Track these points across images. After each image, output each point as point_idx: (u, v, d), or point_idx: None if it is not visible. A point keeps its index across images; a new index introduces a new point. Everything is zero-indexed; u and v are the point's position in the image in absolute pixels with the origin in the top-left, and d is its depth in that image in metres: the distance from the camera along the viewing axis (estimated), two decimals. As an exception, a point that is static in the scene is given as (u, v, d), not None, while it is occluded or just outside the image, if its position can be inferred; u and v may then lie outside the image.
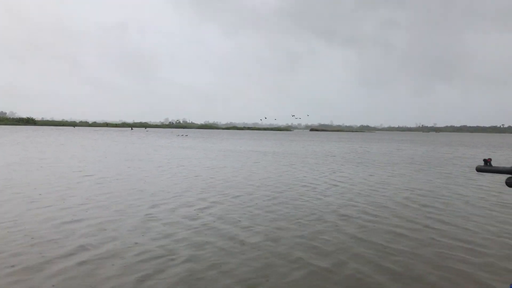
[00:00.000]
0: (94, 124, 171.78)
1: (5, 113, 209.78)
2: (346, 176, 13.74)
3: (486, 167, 2.23)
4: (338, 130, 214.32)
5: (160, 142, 38.00)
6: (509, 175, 2.12)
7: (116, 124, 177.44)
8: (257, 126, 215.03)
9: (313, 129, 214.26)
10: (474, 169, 13.65)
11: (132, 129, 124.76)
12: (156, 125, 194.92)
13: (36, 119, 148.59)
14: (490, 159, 2.25)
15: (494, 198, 9.62)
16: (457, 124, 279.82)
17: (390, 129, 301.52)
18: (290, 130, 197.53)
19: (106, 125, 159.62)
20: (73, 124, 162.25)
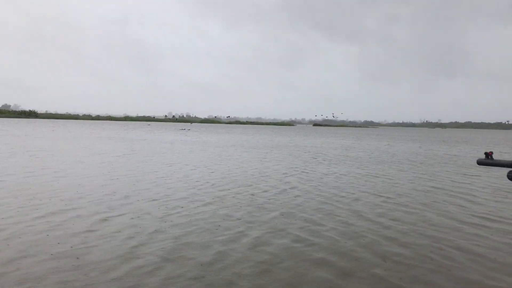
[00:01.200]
0: (98, 118, 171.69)
1: (10, 105, 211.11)
2: (310, 176, 12.53)
3: (487, 160, 2.17)
4: (341, 126, 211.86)
5: (132, 135, 37.02)
6: (511, 169, 2.05)
7: (176, 119, 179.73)
8: (260, 121, 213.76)
9: (316, 124, 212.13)
10: (463, 168, 11.98)
11: (191, 124, 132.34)
12: (161, 119, 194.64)
13: (38, 112, 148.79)
14: (492, 152, 2.15)
15: (474, 214, 8.30)
16: (462, 120, 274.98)
17: (394, 124, 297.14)
18: (293, 125, 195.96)
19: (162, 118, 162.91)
20: (76, 117, 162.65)
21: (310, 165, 15.54)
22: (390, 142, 39.94)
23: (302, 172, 13.21)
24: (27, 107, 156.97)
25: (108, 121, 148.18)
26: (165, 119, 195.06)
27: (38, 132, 38.06)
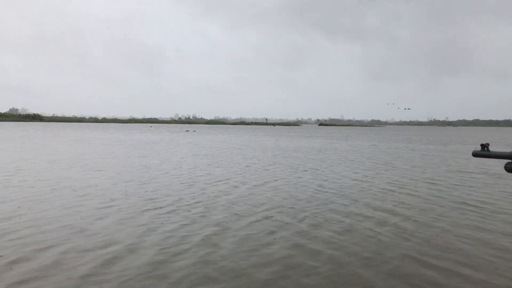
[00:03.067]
0: (103, 120, 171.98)
1: (17, 109, 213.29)
2: (237, 188, 10.58)
3: (484, 152, 2.11)
4: (348, 125, 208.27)
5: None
6: (508, 160, 1.99)
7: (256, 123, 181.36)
8: (265, 122, 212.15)
9: (322, 123, 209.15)
10: (434, 172, 8.55)
11: (274, 126, 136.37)
12: (167, 121, 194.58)
13: (43, 116, 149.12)
14: (488, 144, 2.11)
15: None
16: (469, 118, 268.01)
17: (402, 123, 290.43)
18: (299, 125, 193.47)
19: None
20: (81, 120, 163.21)
21: (261, 172, 13.56)
22: (380, 142, 37.61)
23: (237, 181, 11.23)
24: (34, 111, 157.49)
25: (112, 123, 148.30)
26: (171, 121, 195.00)
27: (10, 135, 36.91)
